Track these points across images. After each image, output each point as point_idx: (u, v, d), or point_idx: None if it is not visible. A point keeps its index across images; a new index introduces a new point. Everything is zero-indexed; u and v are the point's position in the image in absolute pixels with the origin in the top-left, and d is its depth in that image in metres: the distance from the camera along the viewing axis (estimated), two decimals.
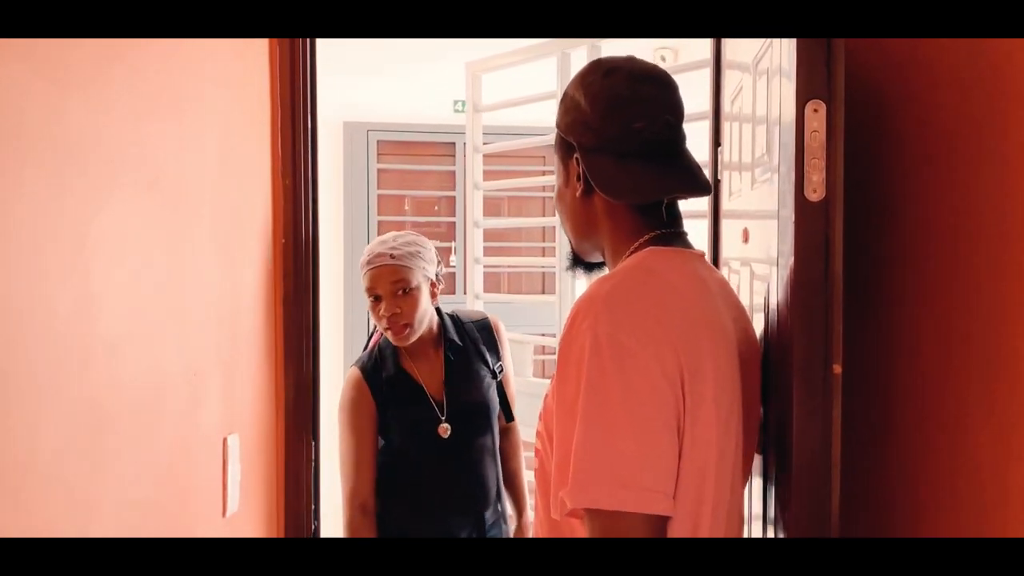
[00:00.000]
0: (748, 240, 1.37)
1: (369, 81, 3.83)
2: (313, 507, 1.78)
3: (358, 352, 2.10)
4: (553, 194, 1.20)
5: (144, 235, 1.15)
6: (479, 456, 1.98)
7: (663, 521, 0.93)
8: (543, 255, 4.32)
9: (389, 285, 1.88)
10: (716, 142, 1.73)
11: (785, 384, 1.05)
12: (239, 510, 1.50)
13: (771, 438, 1.13)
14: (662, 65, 3.61)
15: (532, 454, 1.18)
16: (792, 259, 1.02)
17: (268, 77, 1.67)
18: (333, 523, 1.91)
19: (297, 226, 1.73)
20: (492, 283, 4.48)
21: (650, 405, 0.92)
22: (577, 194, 1.10)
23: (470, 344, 2.03)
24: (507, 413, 2.08)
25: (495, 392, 2.04)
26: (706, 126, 1.80)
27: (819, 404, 1.02)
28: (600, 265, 1.21)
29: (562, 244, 2.69)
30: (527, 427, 2.01)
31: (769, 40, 1.17)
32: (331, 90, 3.07)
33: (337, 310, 4.16)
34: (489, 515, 2.00)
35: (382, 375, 1.95)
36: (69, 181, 0.96)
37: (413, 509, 1.95)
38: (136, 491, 1.13)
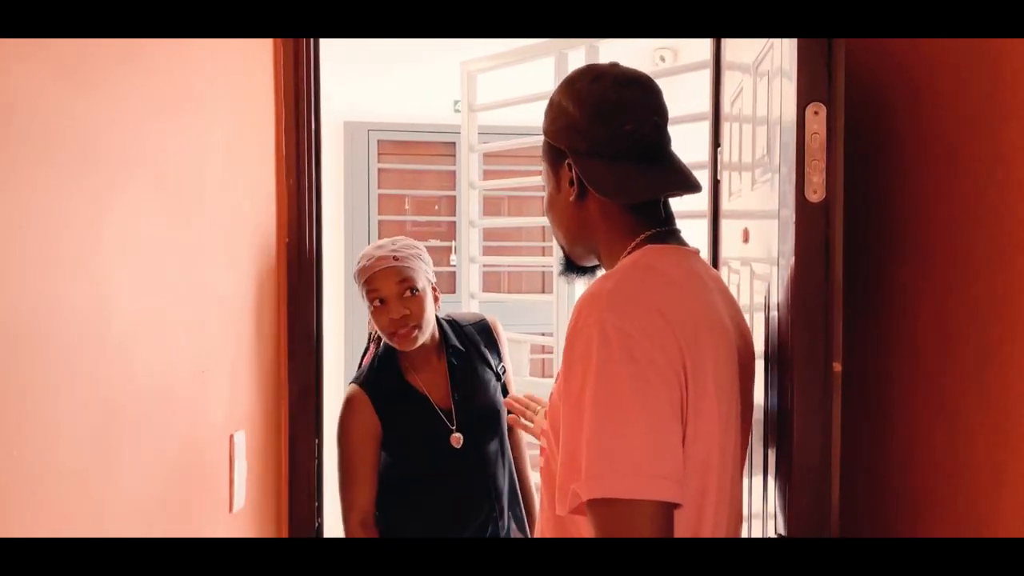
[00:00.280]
0: (748, 240, 1.38)
1: (370, 81, 3.84)
2: (316, 504, 1.79)
3: (359, 352, 2.06)
4: (544, 199, 1.21)
5: (154, 234, 1.16)
6: (492, 461, 1.92)
7: (672, 510, 0.92)
8: (543, 254, 4.33)
9: (395, 286, 1.81)
10: (716, 143, 1.74)
11: (785, 383, 1.06)
12: (245, 506, 1.51)
13: (771, 436, 1.14)
14: (662, 65, 3.62)
15: (537, 452, 1.20)
16: (792, 259, 1.03)
17: (272, 77, 1.67)
18: (335, 522, 1.91)
19: (301, 225, 1.73)
20: (492, 282, 4.49)
21: (660, 395, 0.93)
22: (571, 199, 1.11)
23: (472, 348, 1.97)
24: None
25: (501, 394, 1.98)
26: (706, 127, 1.81)
27: (819, 402, 1.03)
28: (592, 269, 1.22)
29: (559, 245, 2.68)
30: None
31: (770, 42, 1.18)
32: (332, 90, 3.08)
33: (338, 309, 4.17)
34: (504, 523, 1.95)
35: (384, 390, 1.88)
36: (81, 180, 0.97)
37: (427, 524, 1.88)
38: (147, 488, 1.14)
